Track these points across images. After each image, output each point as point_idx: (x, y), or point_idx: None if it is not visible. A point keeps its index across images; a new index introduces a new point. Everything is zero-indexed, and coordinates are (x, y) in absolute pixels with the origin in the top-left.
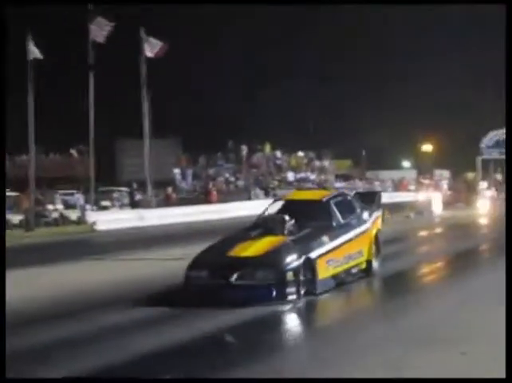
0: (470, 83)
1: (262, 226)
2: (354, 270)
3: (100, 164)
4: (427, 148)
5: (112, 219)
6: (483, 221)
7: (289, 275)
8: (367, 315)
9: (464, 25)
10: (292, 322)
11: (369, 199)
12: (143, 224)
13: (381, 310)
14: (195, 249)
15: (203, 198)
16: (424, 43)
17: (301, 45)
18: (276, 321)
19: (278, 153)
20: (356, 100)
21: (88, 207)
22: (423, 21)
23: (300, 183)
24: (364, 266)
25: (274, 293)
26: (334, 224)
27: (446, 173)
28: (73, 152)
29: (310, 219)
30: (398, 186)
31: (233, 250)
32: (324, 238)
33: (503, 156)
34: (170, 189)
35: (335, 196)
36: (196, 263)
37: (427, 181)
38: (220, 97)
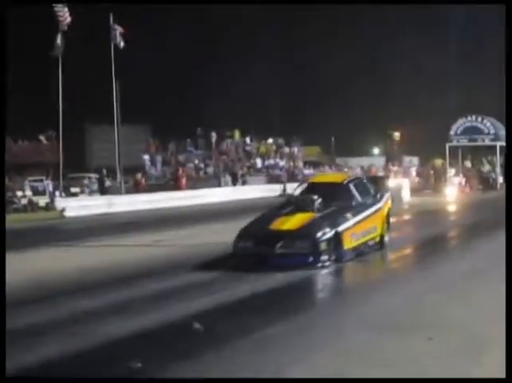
0: (439, 70)
1: (294, 204)
2: (370, 243)
3: (69, 150)
4: (396, 134)
5: (81, 206)
6: (451, 208)
7: (323, 245)
8: (332, 302)
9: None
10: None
11: (378, 183)
12: (112, 210)
13: (349, 296)
14: (165, 236)
15: (173, 184)
16: (394, 30)
17: (271, 30)
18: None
19: (248, 140)
20: (326, 86)
21: (57, 193)
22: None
23: (269, 170)
24: (377, 239)
25: (311, 260)
26: (354, 203)
27: (415, 160)
28: (42, 138)
29: (333, 198)
30: (367, 173)
31: (273, 225)
32: (348, 215)
33: (472, 143)
34: (139, 175)
35: (353, 179)
36: (243, 236)
37: (395, 168)
38: (190, 84)
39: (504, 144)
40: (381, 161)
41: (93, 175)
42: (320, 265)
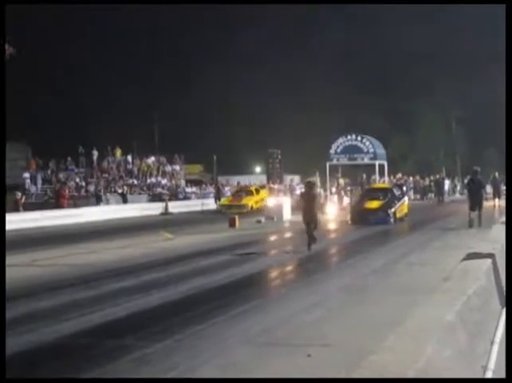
0: (319, 90)
1: (370, 196)
2: (404, 216)
3: None
4: (277, 153)
5: None
6: (330, 226)
7: (390, 215)
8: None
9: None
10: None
11: (402, 187)
12: None
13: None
14: (46, 255)
15: (53, 203)
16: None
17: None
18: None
19: (129, 158)
20: (204, 105)
21: None
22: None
23: (151, 189)
24: (405, 214)
25: (386, 220)
26: (395, 197)
27: (296, 178)
28: None
29: (386, 194)
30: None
31: (366, 205)
32: (396, 202)
33: (351, 162)
34: (19, 194)
35: (394, 185)
36: (354, 211)
37: (276, 186)
38: (70, 101)
39: (383, 162)
40: (263, 179)
41: None
42: (388, 223)
